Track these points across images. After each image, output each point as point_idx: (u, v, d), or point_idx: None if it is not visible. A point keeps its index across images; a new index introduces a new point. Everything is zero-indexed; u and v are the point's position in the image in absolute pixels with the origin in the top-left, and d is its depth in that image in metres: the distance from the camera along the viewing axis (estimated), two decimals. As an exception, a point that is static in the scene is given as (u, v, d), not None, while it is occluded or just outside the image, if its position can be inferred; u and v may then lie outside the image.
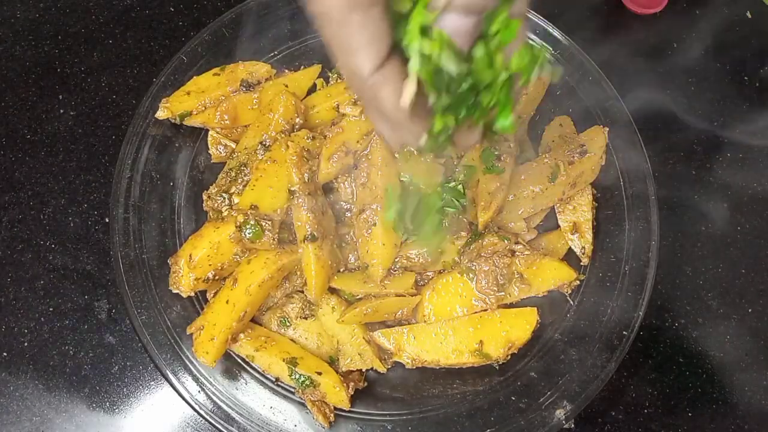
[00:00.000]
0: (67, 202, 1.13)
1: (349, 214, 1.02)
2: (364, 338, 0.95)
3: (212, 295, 0.97)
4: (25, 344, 1.04)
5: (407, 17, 0.50)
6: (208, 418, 0.91)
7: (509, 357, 0.96)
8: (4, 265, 1.08)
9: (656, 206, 1.02)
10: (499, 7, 0.51)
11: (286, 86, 1.07)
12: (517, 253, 0.99)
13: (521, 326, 0.95)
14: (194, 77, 1.08)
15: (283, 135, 1.01)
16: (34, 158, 1.16)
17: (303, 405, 0.94)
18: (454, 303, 0.97)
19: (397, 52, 0.51)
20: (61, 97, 1.20)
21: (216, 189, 1.02)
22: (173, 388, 0.92)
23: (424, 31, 0.49)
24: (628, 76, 1.23)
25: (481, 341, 0.95)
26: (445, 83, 0.52)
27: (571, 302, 1.00)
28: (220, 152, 1.07)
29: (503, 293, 0.96)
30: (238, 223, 0.93)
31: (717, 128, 1.22)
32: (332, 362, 0.95)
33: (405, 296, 0.96)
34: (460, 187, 1.02)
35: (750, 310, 1.09)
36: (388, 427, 0.93)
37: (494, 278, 0.96)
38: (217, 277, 0.97)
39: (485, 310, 0.97)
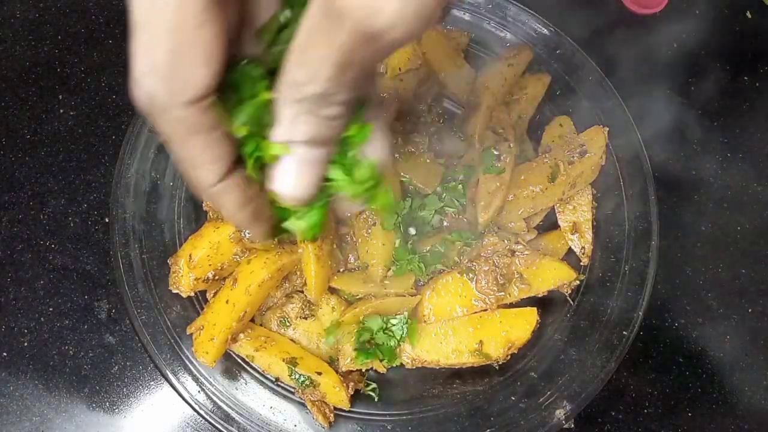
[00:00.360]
0: (67, 202, 1.13)
1: (349, 214, 1.02)
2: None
3: (212, 295, 0.97)
4: (25, 344, 1.04)
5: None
6: (208, 418, 0.91)
7: (509, 357, 0.96)
8: (4, 265, 1.08)
9: (656, 206, 1.02)
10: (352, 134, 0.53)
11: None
12: (517, 253, 0.98)
13: (521, 326, 0.95)
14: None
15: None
16: (34, 158, 1.16)
17: (303, 405, 0.94)
18: (454, 303, 0.97)
19: (240, 162, 0.53)
20: (61, 97, 1.20)
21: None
22: (173, 388, 0.92)
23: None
24: (628, 75, 1.23)
25: (481, 341, 0.95)
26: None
27: (571, 302, 1.00)
28: (220, 152, 1.07)
29: (503, 293, 0.96)
30: (238, 223, 0.93)
31: (717, 128, 1.22)
32: (332, 362, 0.95)
33: (405, 296, 0.96)
34: (460, 187, 1.03)
35: (750, 310, 1.09)
36: (388, 427, 0.93)
37: (494, 278, 0.96)
38: (217, 277, 0.97)
39: (485, 310, 0.97)
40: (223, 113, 0.50)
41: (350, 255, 1.00)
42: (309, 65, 0.44)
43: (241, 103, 0.51)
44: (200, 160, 0.50)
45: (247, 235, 0.92)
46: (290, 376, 0.92)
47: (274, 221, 0.60)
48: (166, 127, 0.48)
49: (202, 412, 0.91)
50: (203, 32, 0.44)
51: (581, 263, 1.03)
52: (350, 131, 0.53)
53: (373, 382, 0.97)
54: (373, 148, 0.57)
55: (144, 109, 0.47)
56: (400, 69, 1.11)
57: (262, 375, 0.96)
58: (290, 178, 0.52)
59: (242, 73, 0.50)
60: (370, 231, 0.97)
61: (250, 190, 0.55)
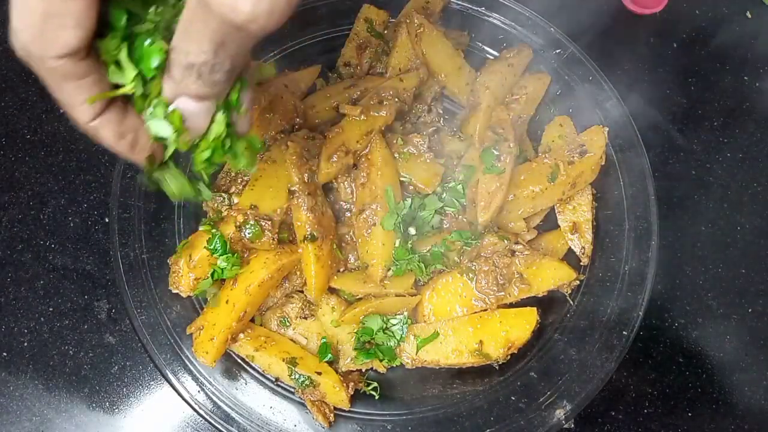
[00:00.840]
0: (67, 202, 1.13)
1: (349, 214, 1.02)
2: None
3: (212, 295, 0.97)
4: (25, 344, 1.04)
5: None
6: (207, 418, 0.91)
7: (509, 357, 0.96)
8: (4, 265, 1.09)
9: (656, 206, 1.02)
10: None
11: (286, 86, 1.07)
12: (517, 253, 0.99)
13: (521, 326, 0.95)
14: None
15: (282, 135, 1.01)
16: (34, 158, 1.16)
17: (303, 405, 0.94)
18: (454, 303, 0.97)
19: (117, 98, 0.59)
20: (61, 97, 1.20)
21: (216, 189, 1.02)
22: (173, 388, 0.92)
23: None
24: (628, 76, 1.23)
25: (480, 341, 0.95)
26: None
27: (571, 302, 1.00)
28: (220, 152, 1.07)
29: (503, 293, 0.96)
30: (238, 223, 0.93)
31: (717, 128, 1.22)
32: (332, 362, 0.95)
33: (405, 296, 0.96)
34: (460, 187, 1.03)
35: (750, 310, 1.09)
36: (388, 427, 0.93)
37: (494, 278, 0.96)
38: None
39: (485, 310, 0.97)
40: (97, 62, 0.55)
41: (350, 255, 1.00)
42: (192, 40, 0.51)
43: (116, 38, 0.56)
44: (74, 102, 0.56)
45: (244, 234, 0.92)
46: (290, 376, 0.92)
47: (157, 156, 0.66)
48: (41, 73, 0.53)
49: (202, 412, 0.91)
50: (72, 3, 0.49)
51: (581, 263, 1.03)
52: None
53: (374, 382, 0.97)
54: (242, 122, 0.65)
55: (21, 58, 0.53)
56: (400, 69, 1.11)
57: (262, 375, 0.96)
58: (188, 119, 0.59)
59: (116, 14, 0.55)
60: (370, 231, 0.97)
61: (125, 125, 0.60)
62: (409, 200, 1.00)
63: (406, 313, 0.96)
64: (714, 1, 1.31)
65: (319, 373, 0.92)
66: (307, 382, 0.91)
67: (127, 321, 1.04)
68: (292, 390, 0.95)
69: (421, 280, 0.99)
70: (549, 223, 1.07)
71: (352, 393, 0.93)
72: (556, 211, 1.06)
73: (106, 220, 1.11)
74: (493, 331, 0.95)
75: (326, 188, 1.03)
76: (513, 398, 0.94)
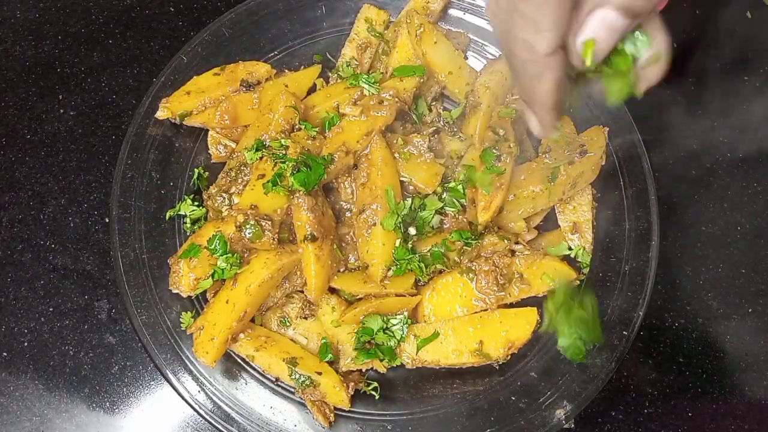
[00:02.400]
0: (67, 202, 1.13)
1: (349, 214, 1.02)
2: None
3: (212, 295, 0.97)
4: (25, 344, 1.04)
5: None
6: (208, 418, 0.91)
7: (509, 357, 0.96)
8: (4, 265, 1.09)
9: (656, 206, 1.02)
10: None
11: (286, 86, 1.07)
12: (517, 253, 0.99)
13: (521, 326, 0.95)
14: (194, 77, 1.08)
15: (283, 135, 1.01)
16: (34, 158, 1.16)
17: (303, 405, 0.94)
18: (454, 303, 0.97)
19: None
20: (61, 97, 1.20)
21: (216, 189, 1.02)
22: (173, 388, 0.92)
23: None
24: (628, 76, 1.23)
25: (481, 341, 0.95)
26: None
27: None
28: (220, 152, 1.07)
29: (503, 293, 0.96)
30: (238, 223, 0.93)
31: (717, 128, 1.22)
32: (332, 362, 0.95)
33: (405, 296, 0.96)
34: (460, 187, 1.03)
35: (750, 310, 1.09)
36: (388, 427, 0.93)
37: (494, 278, 0.96)
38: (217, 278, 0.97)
39: (485, 310, 0.97)
40: None
41: (350, 255, 1.00)
42: None
43: None
44: (544, 22, 0.56)
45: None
46: (290, 376, 0.92)
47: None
48: None
49: (202, 412, 0.91)
50: None
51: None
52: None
53: (374, 382, 0.96)
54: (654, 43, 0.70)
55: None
56: (400, 69, 1.11)
57: (262, 375, 0.96)
58: (593, 32, 0.61)
59: None
60: (370, 231, 0.97)
61: (564, 78, 0.63)
62: (409, 200, 1.00)
63: (406, 313, 0.96)
64: (714, 1, 1.31)
65: (319, 373, 0.92)
66: (307, 382, 0.91)
67: (127, 321, 1.04)
68: (292, 390, 0.95)
69: (421, 280, 0.99)
70: (549, 223, 1.07)
71: (352, 393, 0.93)
72: (556, 211, 1.06)
73: (106, 220, 1.11)
74: (493, 331, 0.95)
75: (326, 188, 1.03)
76: (513, 398, 0.94)
